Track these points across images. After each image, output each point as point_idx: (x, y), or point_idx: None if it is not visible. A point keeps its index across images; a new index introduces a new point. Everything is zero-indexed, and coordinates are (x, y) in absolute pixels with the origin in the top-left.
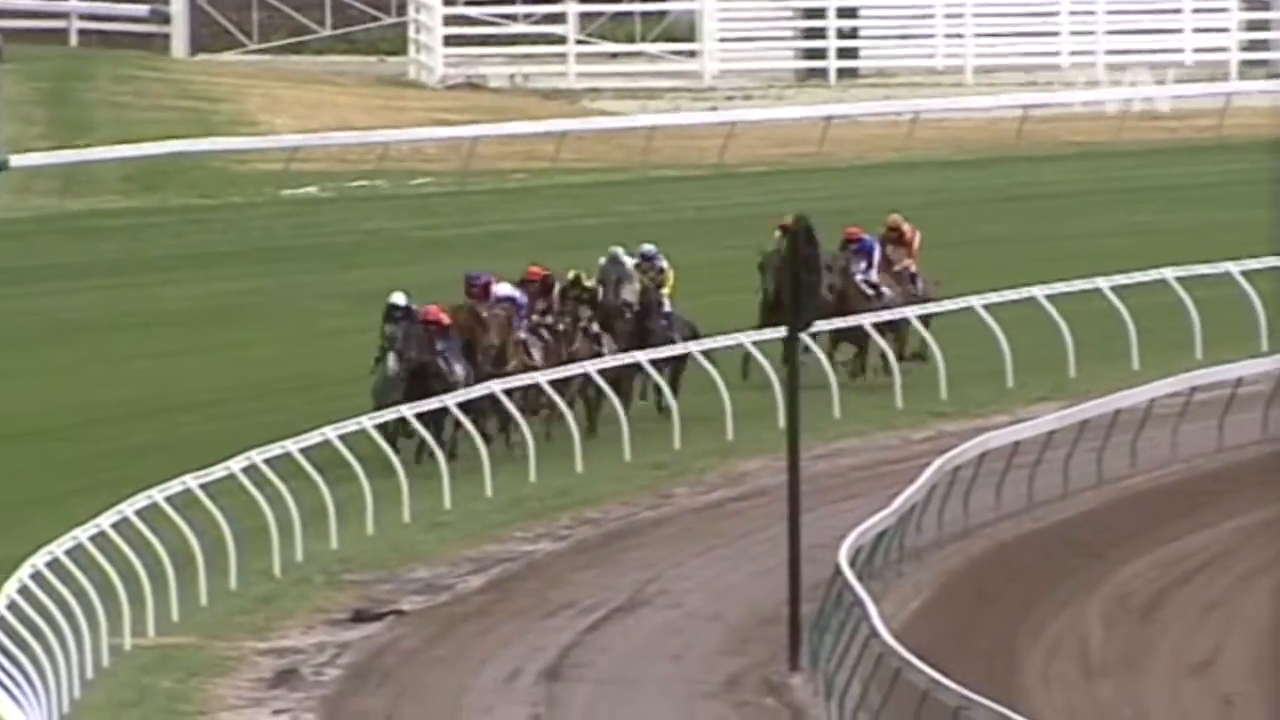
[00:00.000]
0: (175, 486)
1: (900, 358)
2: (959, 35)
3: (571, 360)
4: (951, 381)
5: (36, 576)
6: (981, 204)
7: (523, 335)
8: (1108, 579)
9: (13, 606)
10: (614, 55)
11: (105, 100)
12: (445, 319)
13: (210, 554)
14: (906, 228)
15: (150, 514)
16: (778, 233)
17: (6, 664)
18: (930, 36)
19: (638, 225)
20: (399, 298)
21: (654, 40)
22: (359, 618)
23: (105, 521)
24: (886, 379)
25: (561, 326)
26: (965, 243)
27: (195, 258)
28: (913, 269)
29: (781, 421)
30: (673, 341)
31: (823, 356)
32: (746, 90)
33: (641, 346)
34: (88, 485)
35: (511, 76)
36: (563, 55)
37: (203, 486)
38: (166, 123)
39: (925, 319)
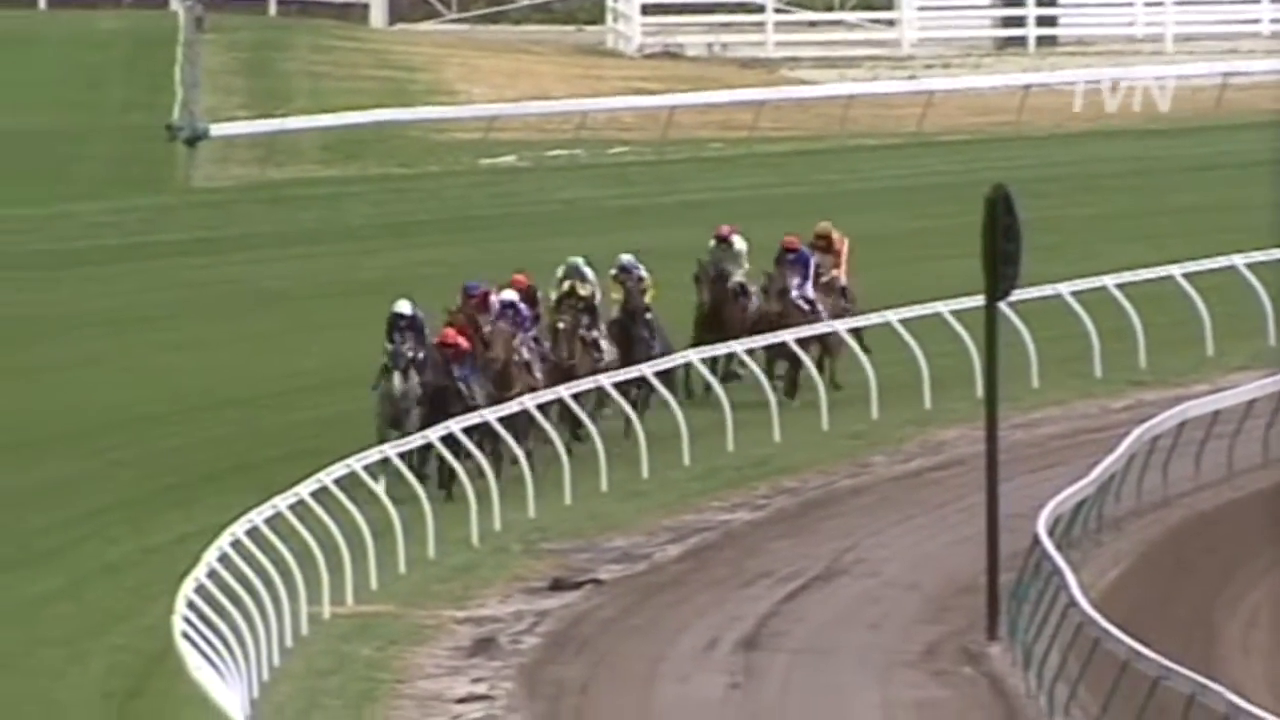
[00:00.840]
0: (373, 455)
1: (833, 380)
2: (1159, 3)
3: (572, 374)
4: (1151, 350)
5: (237, 545)
6: (1180, 173)
7: (526, 355)
8: None
9: (213, 575)
10: (812, 24)
11: (304, 70)
12: (464, 342)
13: (409, 523)
14: (835, 235)
15: (349, 482)
16: (712, 243)
17: (208, 632)
18: (1130, 4)
19: (835, 194)
20: (404, 306)
21: (852, 9)
22: (557, 586)
23: (304, 490)
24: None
25: (561, 326)
26: (1163, 212)
27: (394, 227)
28: (841, 280)
29: (979, 391)
30: (653, 349)
31: (759, 373)
32: (945, 59)
33: (626, 354)
34: (288, 453)
35: (709, 45)
36: (761, 24)
37: (401, 455)
38: (365, 92)
39: (856, 333)
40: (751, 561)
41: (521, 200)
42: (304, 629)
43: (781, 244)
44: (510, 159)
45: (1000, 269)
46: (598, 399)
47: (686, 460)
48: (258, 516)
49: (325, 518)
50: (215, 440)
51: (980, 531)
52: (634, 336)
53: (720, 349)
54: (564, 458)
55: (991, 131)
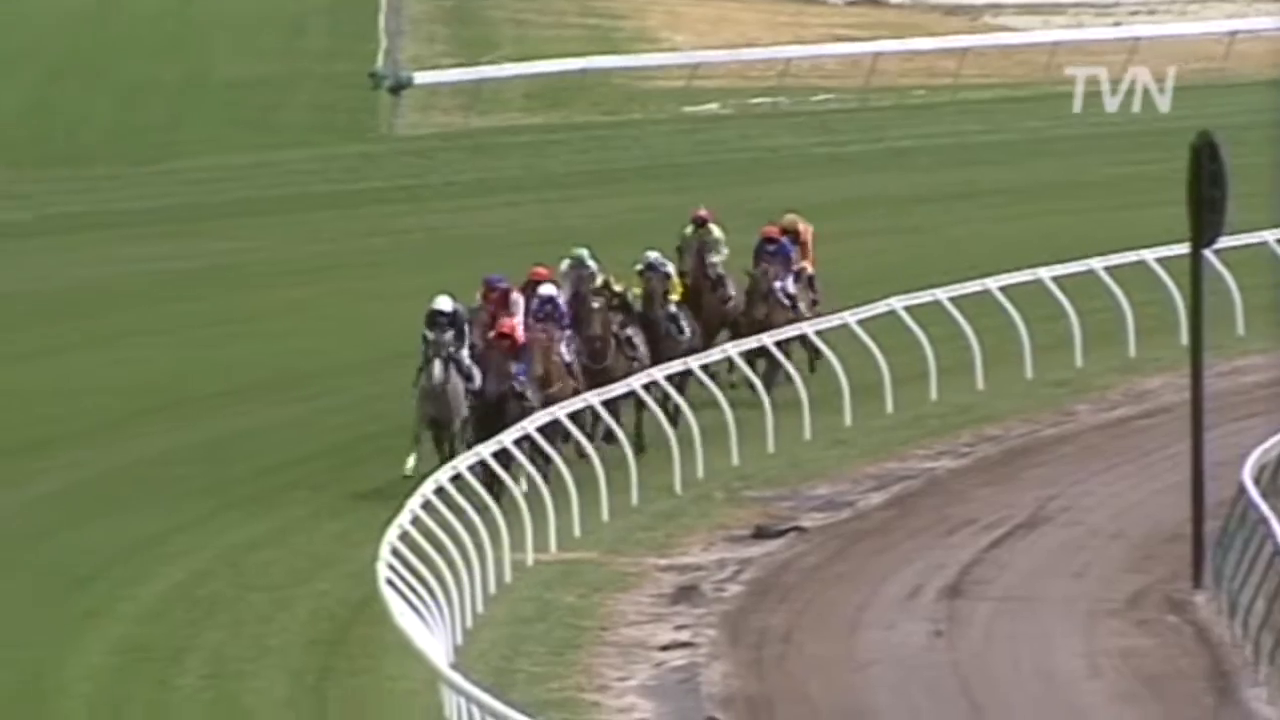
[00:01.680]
0: (576, 403)
1: (812, 368)
2: None
3: (606, 375)
4: None
5: (440, 492)
6: None
7: (567, 357)
8: None
9: (416, 522)
10: None
11: (508, 18)
12: (520, 335)
13: (612, 471)
14: (801, 226)
15: (553, 432)
16: (690, 228)
17: (411, 579)
18: None
19: (1041, 140)
20: (444, 303)
21: None
22: (760, 534)
23: (507, 438)
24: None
25: (596, 330)
26: None
27: (597, 174)
28: (809, 270)
29: (1184, 339)
30: (682, 343)
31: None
32: (1150, 5)
33: (653, 352)
34: None
35: None
36: None
37: (604, 403)
38: (568, 40)
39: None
40: (955, 509)
41: (724, 148)
42: (507, 576)
43: (761, 234)
44: (713, 106)
45: (1205, 216)
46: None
47: (890, 408)
48: (461, 464)
49: (528, 465)
50: None
51: (1185, 480)
52: (659, 333)
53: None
54: (767, 405)
55: (1196, 78)
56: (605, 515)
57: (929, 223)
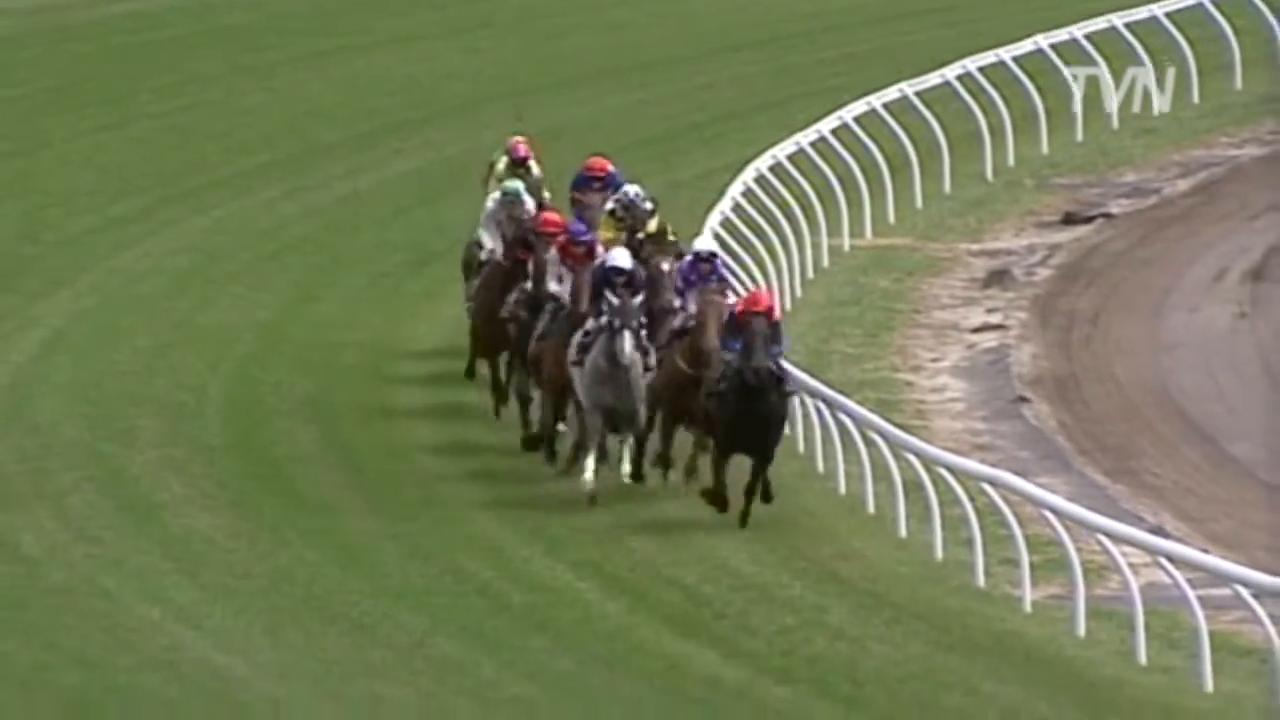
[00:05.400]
0: (892, 94)
1: None
2: None
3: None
4: None
5: (760, 179)
6: None
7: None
8: None
9: (737, 209)
10: None
11: None
12: (776, 306)
13: (925, 159)
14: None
15: (868, 120)
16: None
17: (732, 264)
18: None
19: None
20: (624, 258)
21: None
22: (1069, 220)
23: (825, 127)
24: None
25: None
26: None
27: None
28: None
29: None
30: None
31: None
32: None
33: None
34: (811, 91)
35: None
36: None
37: (919, 93)
38: None
39: None
40: (1258, 195)
41: None
42: (824, 261)
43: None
44: None
45: None
46: None
47: (1195, 98)
48: (780, 152)
49: (845, 153)
50: (739, 79)
51: None
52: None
53: None
54: (1076, 94)
55: None
56: (919, 202)
57: None
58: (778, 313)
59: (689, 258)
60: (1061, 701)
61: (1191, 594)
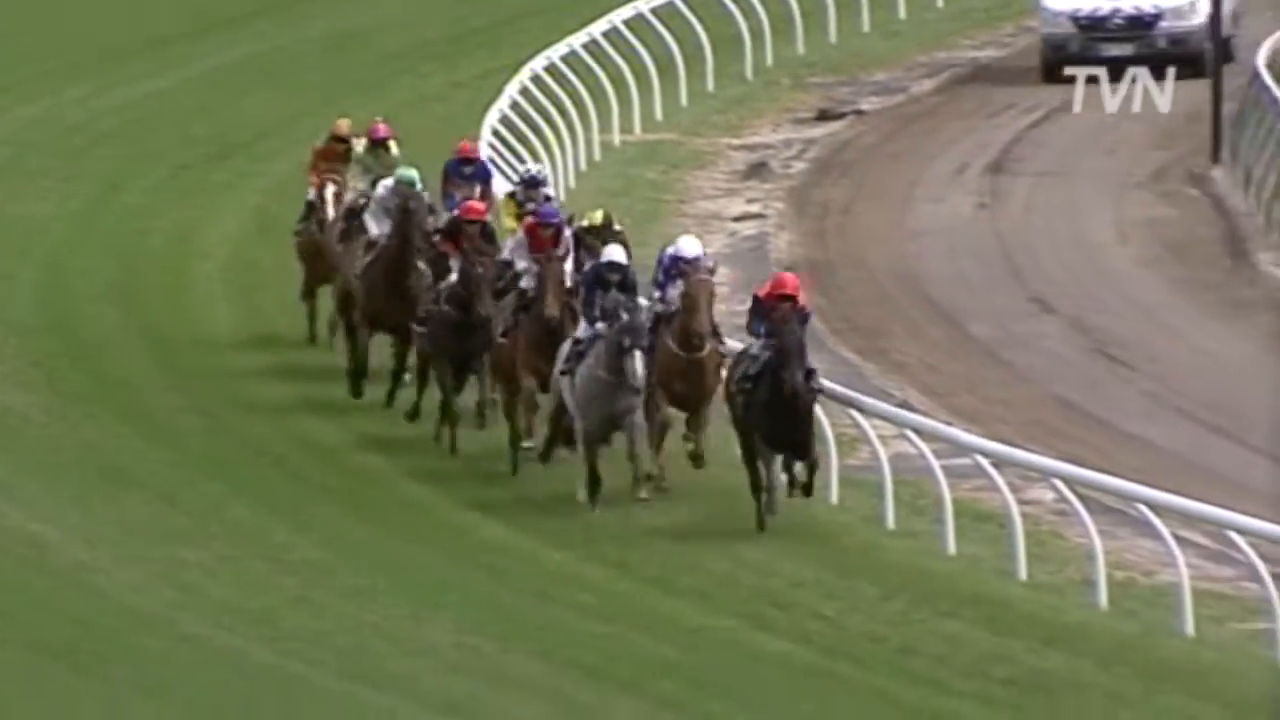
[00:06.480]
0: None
1: None
2: None
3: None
4: None
5: (535, 79)
6: None
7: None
8: None
9: (514, 106)
10: None
11: None
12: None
13: (690, 60)
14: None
15: (636, 23)
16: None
17: (510, 157)
18: None
19: None
20: (616, 253)
21: None
22: (823, 117)
23: (596, 30)
24: None
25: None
26: None
27: None
28: None
29: None
30: None
31: None
32: None
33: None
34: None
35: None
36: None
37: None
38: None
39: None
40: (998, 95)
41: None
42: (596, 155)
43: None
44: None
45: None
46: None
47: (940, 2)
48: (554, 53)
49: (615, 55)
50: None
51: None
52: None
53: None
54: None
55: None
56: (684, 100)
57: None
58: (803, 298)
59: (669, 253)
60: (815, 564)
61: (935, 464)
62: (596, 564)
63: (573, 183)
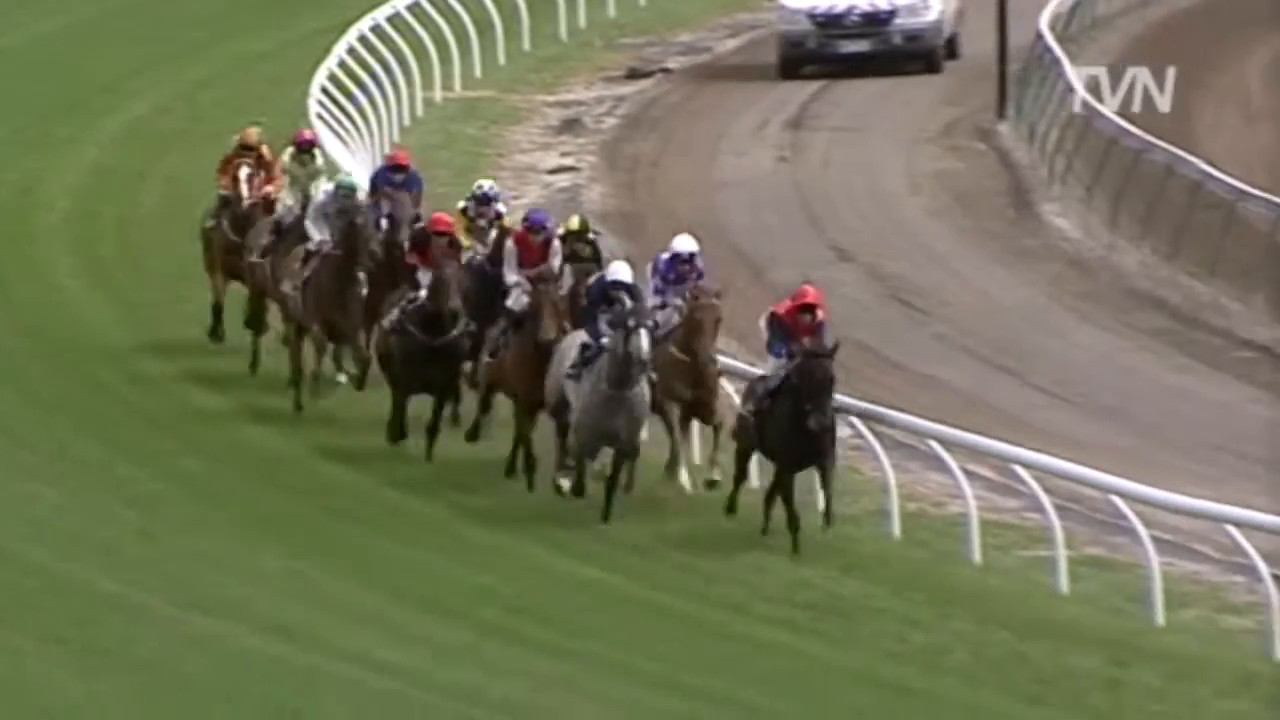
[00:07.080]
0: None
1: None
2: None
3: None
4: None
5: (362, 39)
6: None
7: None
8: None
9: (342, 65)
10: None
11: None
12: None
13: (507, 20)
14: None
15: None
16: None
17: (337, 113)
18: None
19: None
20: (623, 271)
21: None
22: (632, 75)
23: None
24: None
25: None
26: None
27: None
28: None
29: None
30: None
31: None
32: None
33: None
34: None
35: None
36: None
37: None
38: None
39: None
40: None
41: None
42: (419, 111)
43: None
44: None
45: None
46: None
47: None
48: (380, 15)
49: (436, 16)
50: None
51: (993, 26)
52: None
53: None
54: None
55: None
56: (502, 59)
57: None
58: (822, 312)
59: (667, 256)
60: (628, 502)
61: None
62: (429, 500)
63: (397, 137)
